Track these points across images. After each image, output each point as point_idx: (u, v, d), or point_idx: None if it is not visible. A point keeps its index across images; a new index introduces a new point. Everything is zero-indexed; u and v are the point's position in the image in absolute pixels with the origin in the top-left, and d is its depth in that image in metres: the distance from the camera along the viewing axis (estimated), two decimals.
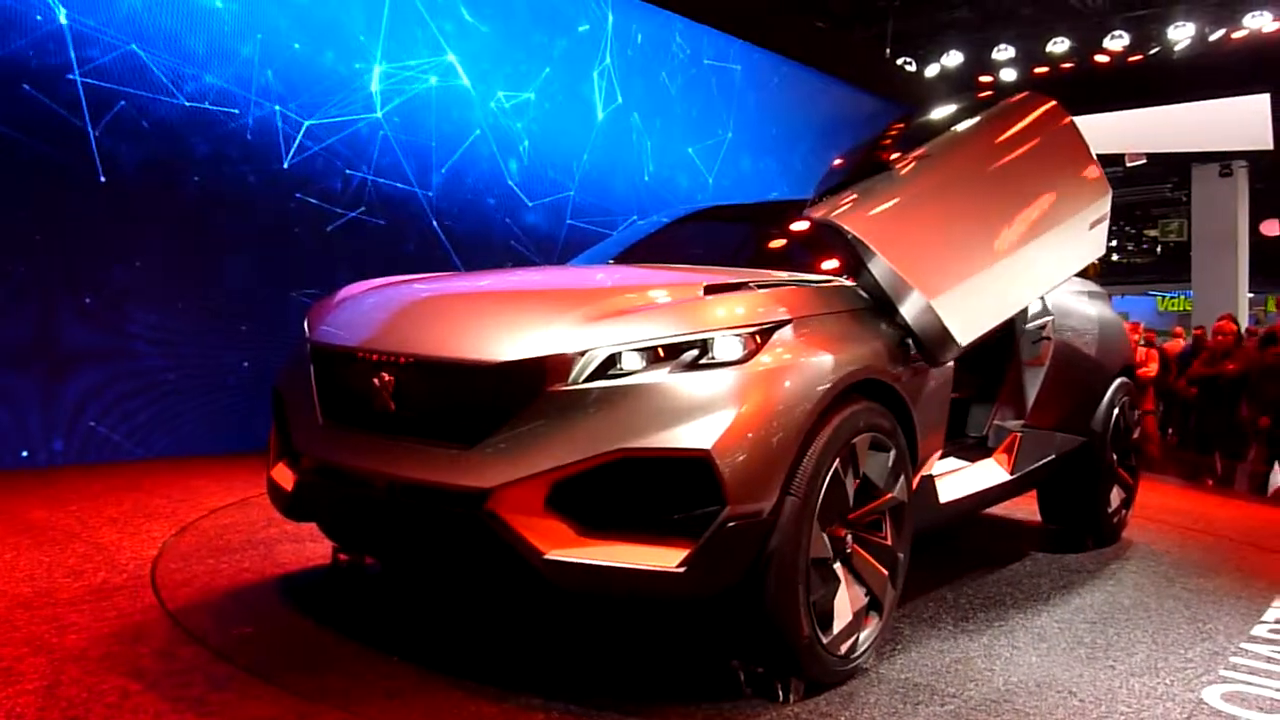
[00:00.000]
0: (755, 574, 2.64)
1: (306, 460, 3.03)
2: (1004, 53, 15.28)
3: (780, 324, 2.79)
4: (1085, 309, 4.95)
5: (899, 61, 15.36)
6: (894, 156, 3.39)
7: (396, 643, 3.04)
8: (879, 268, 3.20)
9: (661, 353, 2.63)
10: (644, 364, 2.61)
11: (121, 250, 6.22)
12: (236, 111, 6.68)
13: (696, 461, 2.51)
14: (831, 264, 3.80)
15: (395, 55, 7.60)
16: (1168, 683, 3.19)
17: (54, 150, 5.90)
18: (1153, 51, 14.79)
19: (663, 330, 2.66)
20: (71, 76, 5.93)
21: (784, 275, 3.46)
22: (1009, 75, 15.59)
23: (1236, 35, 14.05)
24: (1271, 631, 3.86)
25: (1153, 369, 9.60)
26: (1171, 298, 31.24)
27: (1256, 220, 20.57)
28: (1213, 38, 14.28)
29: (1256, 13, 13.70)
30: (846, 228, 3.17)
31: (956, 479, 3.81)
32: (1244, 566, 4.93)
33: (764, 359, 2.69)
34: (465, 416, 2.66)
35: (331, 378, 3.04)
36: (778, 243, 4.49)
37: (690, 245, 4.67)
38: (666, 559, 2.50)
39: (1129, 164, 19.88)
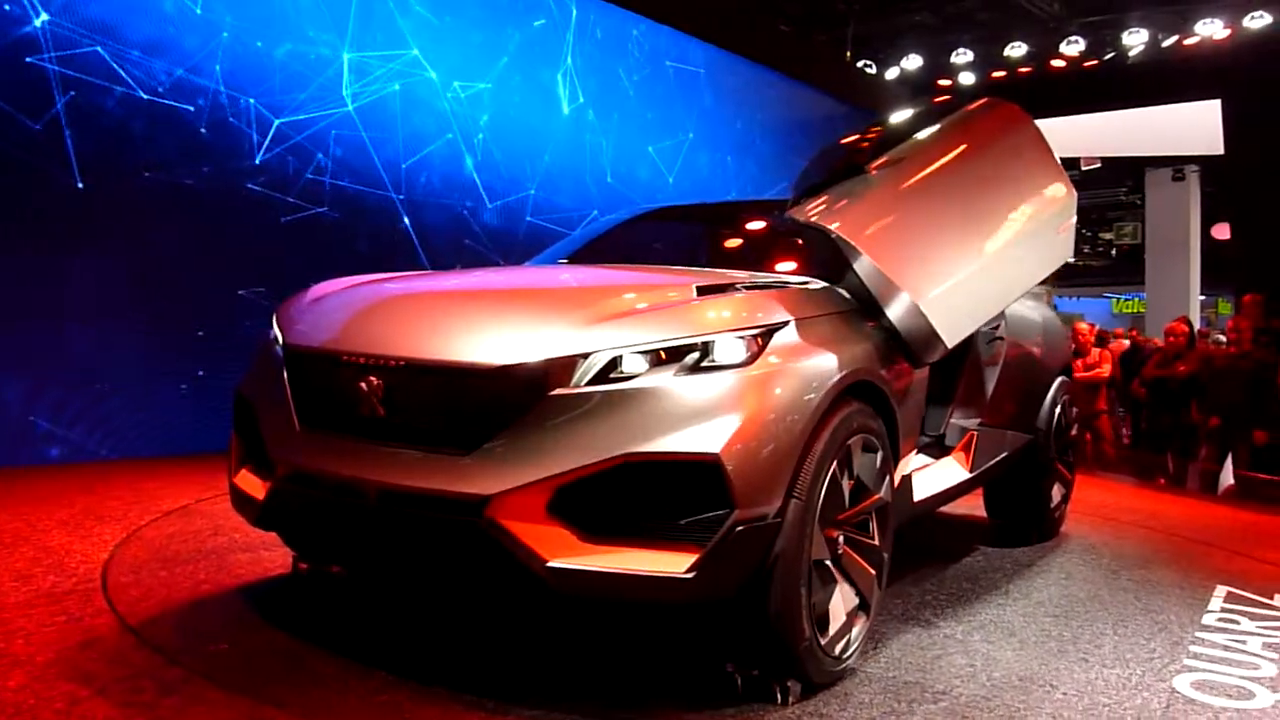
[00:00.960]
0: (759, 577, 2.63)
1: (281, 468, 2.89)
2: (962, 57, 15.43)
3: (780, 326, 2.79)
4: (1030, 310, 5.06)
5: (859, 64, 15.47)
6: (869, 160, 3.41)
7: (380, 654, 2.96)
8: (865, 269, 3.22)
9: (664, 355, 2.60)
10: (647, 367, 2.57)
11: (76, 248, 6.11)
12: (192, 109, 6.59)
13: (705, 465, 2.49)
14: (790, 265, 3.82)
15: (362, 51, 7.53)
16: (1139, 673, 3.27)
17: (6, 146, 5.79)
18: (1108, 57, 15.01)
19: (665, 332, 2.63)
20: (30, 60, 5.82)
21: (768, 277, 3.46)
22: (968, 79, 15.76)
23: (1189, 42, 14.30)
24: (1220, 621, 3.98)
25: (1105, 369, 9.73)
26: (1126, 299, 31.72)
27: (1208, 224, 20.93)
28: (1166, 44, 14.52)
29: (1208, 20, 13.95)
30: (832, 229, 3.18)
31: (925, 477, 3.86)
32: (1180, 559, 5.07)
33: (767, 361, 2.68)
34: (462, 421, 2.59)
35: (310, 381, 2.92)
36: (736, 243, 4.51)
37: (648, 245, 4.66)
38: (674, 564, 2.46)
39: (1084, 168, 20.17)
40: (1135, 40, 14.57)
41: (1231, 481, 8.05)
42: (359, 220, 7.62)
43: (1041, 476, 5.02)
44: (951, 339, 3.33)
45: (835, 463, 2.82)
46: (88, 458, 6.10)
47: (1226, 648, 3.63)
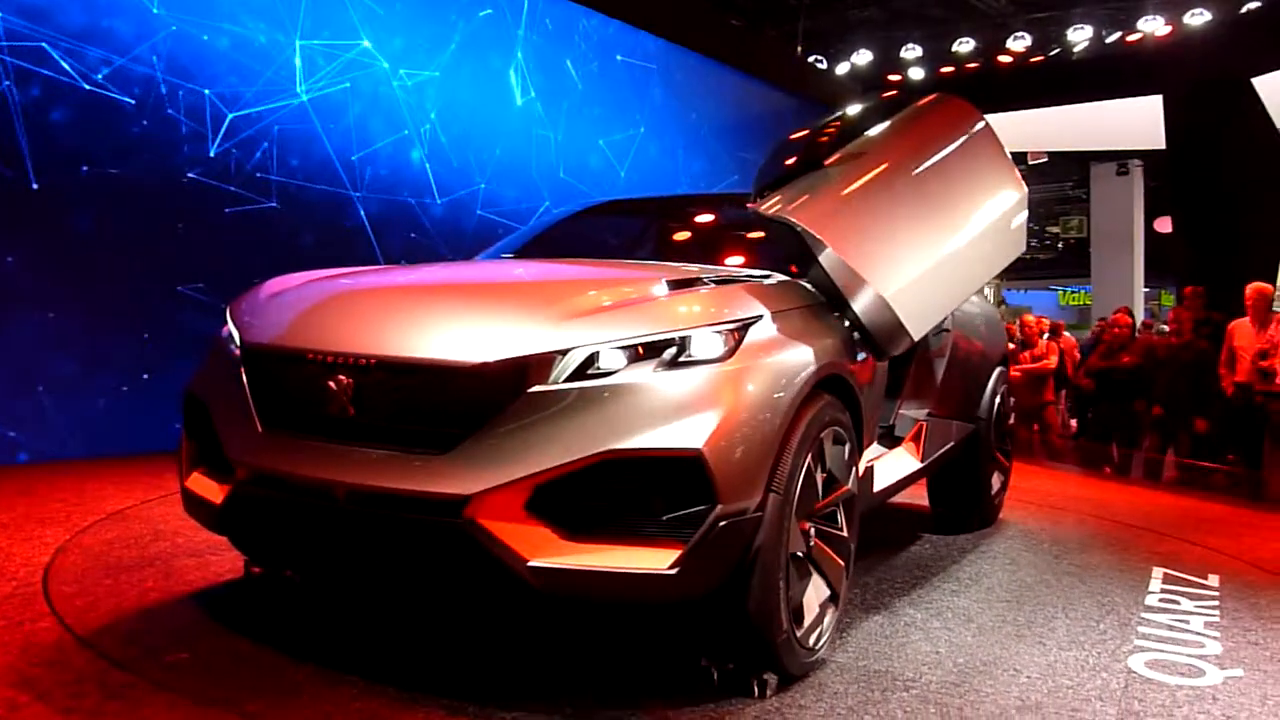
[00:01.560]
0: (739, 572, 2.62)
1: (241, 470, 2.78)
2: (912, 52, 15.59)
3: (755, 320, 2.80)
4: (971, 303, 5.14)
5: (810, 59, 15.56)
6: (827, 154, 3.43)
7: (350, 659, 2.89)
8: (831, 262, 3.24)
9: (642, 351, 2.57)
10: (625, 362, 2.55)
11: (14, 244, 5.96)
12: (133, 101, 6.45)
13: (687, 461, 2.47)
14: (751, 259, 3.83)
15: (312, 43, 7.43)
16: (1095, 655, 3.37)
17: None
18: (1053, 53, 15.24)
19: (643, 328, 2.61)
20: None
21: (732, 271, 3.44)
22: (917, 74, 15.92)
23: (1131, 39, 14.57)
24: (1161, 602, 4.11)
25: (1052, 361, 9.88)
26: (1072, 292, 32.28)
27: (1151, 217, 21.37)
28: (1109, 40, 14.78)
29: (1150, 17, 14.22)
30: (797, 223, 3.19)
31: (882, 467, 3.91)
32: (1117, 543, 5.22)
33: (744, 356, 2.68)
34: (437, 420, 2.54)
35: (271, 381, 2.82)
36: (695, 236, 4.50)
37: (604, 239, 4.64)
38: (657, 560, 2.44)
39: (1031, 162, 20.49)
40: (1080, 37, 14.83)
41: (1174, 470, 8.23)
42: (308, 214, 7.51)
43: (983, 465, 5.14)
44: (917, 332, 3.38)
45: (810, 456, 2.83)
46: (29, 459, 5.96)
47: (1171, 627, 3.76)
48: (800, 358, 2.86)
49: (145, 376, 6.54)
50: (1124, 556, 4.89)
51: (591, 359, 2.54)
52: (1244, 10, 13.71)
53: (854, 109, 3.88)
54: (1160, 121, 15.31)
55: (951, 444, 4.69)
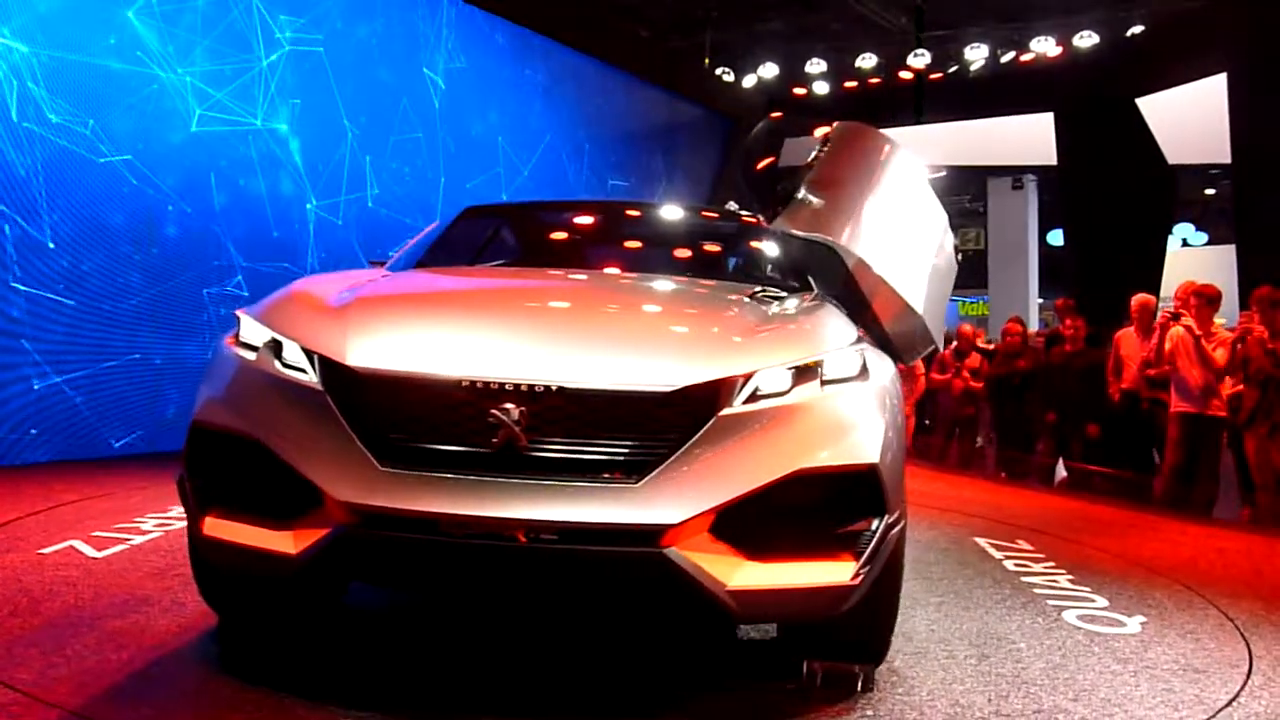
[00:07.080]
0: (883, 577, 2.70)
1: (343, 513, 2.41)
2: (816, 66, 15.85)
3: (860, 339, 2.95)
4: None
5: (717, 71, 15.71)
6: (802, 177, 3.62)
7: (451, 707, 2.69)
8: (868, 281, 3.41)
9: (800, 371, 2.62)
10: (790, 384, 2.59)
11: None
12: None
13: (863, 475, 2.56)
14: (774, 273, 3.86)
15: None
16: (1040, 617, 3.61)
17: None
18: (951, 70, 15.67)
19: (801, 349, 2.69)
20: None
21: (773, 288, 3.43)
22: (821, 88, 16.18)
23: (1025, 58, 15.08)
24: (1015, 565, 4.43)
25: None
26: (971, 303, 33.17)
27: (1044, 230, 22.10)
28: (1004, 59, 15.27)
29: (1042, 37, 14.73)
30: (835, 241, 3.39)
31: None
32: (926, 519, 5.51)
33: (871, 373, 2.79)
34: (628, 448, 2.44)
35: (387, 410, 2.48)
36: (715, 249, 4.45)
37: (593, 245, 4.44)
38: (841, 573, 2.50)
39: (931, 176, 20.99)
40: (976, 55, 15.28)
41: (1064, 473, 8.49)
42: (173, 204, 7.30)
43: None
44: (938, 341, 3.71)
45: None
46: None
47: (1049, 586, 4.06)
48: (892, 370, 3.03)
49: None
50: (943, 530, 5.20)
51: (763, 381, 2.58)
52: (1129, 34, 14.29)
53: (777, 129, 4.01)
54: (1052, 138, 15.86)
55: None
